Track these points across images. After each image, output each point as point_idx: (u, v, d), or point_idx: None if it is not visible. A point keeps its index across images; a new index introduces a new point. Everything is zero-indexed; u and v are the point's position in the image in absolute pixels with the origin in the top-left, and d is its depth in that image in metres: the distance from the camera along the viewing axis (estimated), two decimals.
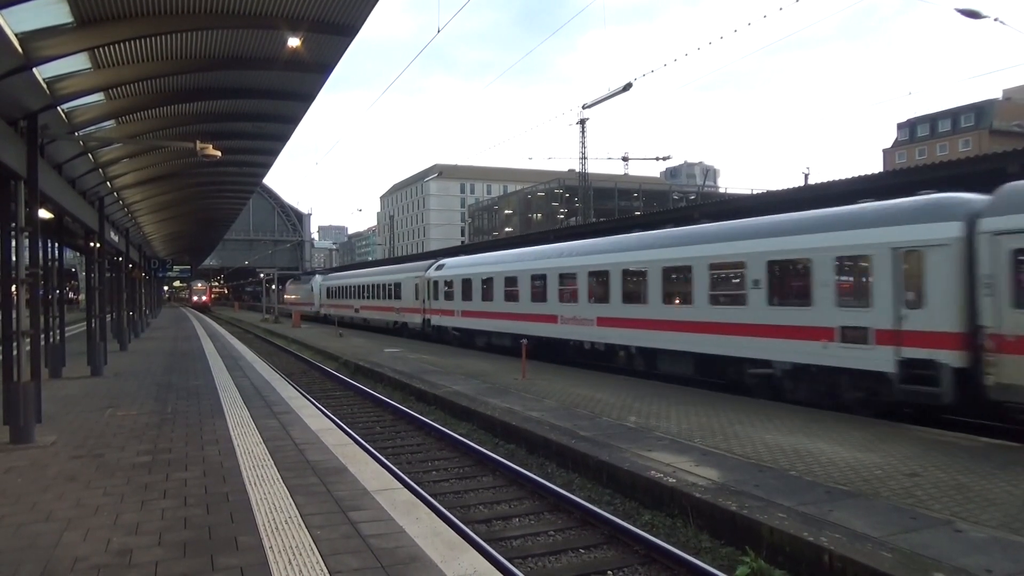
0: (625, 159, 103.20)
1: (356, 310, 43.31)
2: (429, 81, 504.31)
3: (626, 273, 17.79)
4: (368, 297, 40.97)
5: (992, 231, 10.08)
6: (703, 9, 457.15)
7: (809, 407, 12.55)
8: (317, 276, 59.47)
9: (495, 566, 5.34)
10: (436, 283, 29.63)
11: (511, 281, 23.32)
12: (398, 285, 34.95)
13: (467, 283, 26.62)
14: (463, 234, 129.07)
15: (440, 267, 29.82)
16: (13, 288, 9.91)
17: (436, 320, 29.88)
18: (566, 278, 20.24)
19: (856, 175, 16.24)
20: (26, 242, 10.23)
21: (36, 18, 8.85)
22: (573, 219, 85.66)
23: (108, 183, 19.06)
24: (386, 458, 10.75)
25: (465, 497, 9.22)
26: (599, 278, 18.80)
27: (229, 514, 6.18)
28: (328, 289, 52.54)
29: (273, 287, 69.92)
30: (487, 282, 24.97)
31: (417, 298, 31.80)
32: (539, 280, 21.68)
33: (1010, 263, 9.84)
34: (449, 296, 28.28)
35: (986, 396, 10.21)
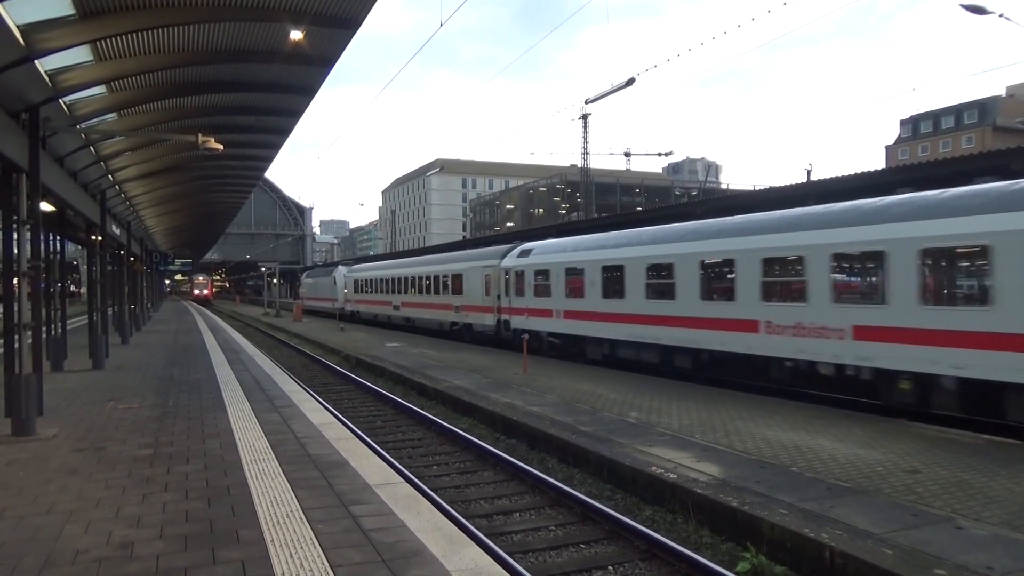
0: (627, 155, 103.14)
1: (396, 307, 36.26)
2: (430, 76, 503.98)
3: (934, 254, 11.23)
4: (412, 292, 33.59)
5: None
6: (706, 5, 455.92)
7: (813, 404, 12.54)
8: (341, 267, 51.10)
9: (496, 561, 5.35)
10: (520, 274, 22.49)
11: (659, 270, 16.67)
12: (458, 277, 27.99)
13: (575, 273, 19.83)
14: (464, 229, 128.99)
15: (526, 253, 22.90)
16: (15, 281, 9.91)
17: (519, 322, 22.56)
18: (778, 265, 13.84)
19: (860, 171, 16.18)
20: (28, 235, 10.21)
21: (38, 10, 8.83)
22: (575, 214, 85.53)
23: (110, 176, 19.05)
24: (387, 452, 10.76)
25: (466, 492, 9.23)
26: (871, 263, 12.20)
27: (230, 507, 6.18)
28: (357, 282, 44.58)
29: (275, 281, 69.97)
30: (613, 271, 18.28)
31: (488, 294, 24.97)
32: (720, 268, 15.27)
33: None
34: (543, 291, 21.35)
35: None
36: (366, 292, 42.38)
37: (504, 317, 23.87)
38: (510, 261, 23.74)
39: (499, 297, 24.33)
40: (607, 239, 19.53)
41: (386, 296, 38.10)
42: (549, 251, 21.84)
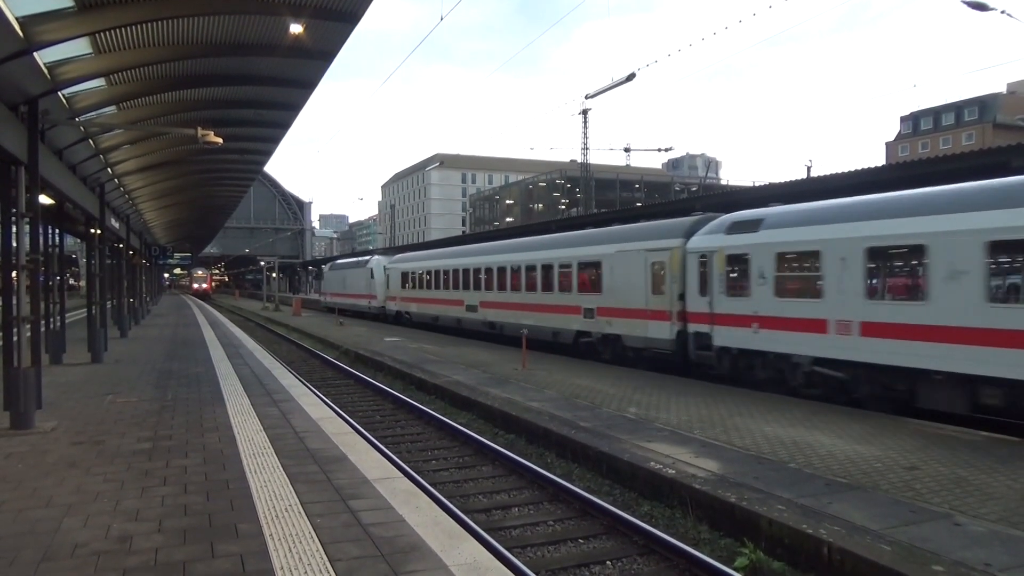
0: (627, 150, 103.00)
1: (470, 308, 27.19)
2: (430, 71, 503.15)
3: None
4: (502, 287, 24.60)
5: None
6: (704, 2, 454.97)
7: (811, 400, 12.53)
8: (377, 258, 41.19)
9: (495, 555, 5.35)
10: (739, 259, 14.28)
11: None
12: (592, 266, 19.40)
13: (899, 256, 11.77)
14: (464, 224, 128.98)
15: (747, 226, 14.39)
16: (14, 274, 9.90)
17: (734, 337, 14.35)
18: None
19: (861, 168, 16.16)
20: (27, 228, 10.21)
21: (37, 2, 8.81)
22: (575, 210, 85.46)
23: (109, 169, 19.01)
24: (386, 447, 10.77)
25: (465, 486, 9.23)
26: None
27: (229, 501, 6.18)
28: (406, 276, 34.79)
29: (274, 275, 69.89)
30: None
31: (658, 291, 16.81)
32: None
33: None
34: (802, 287, 13.10)
35: None
36: (421, 288, 32.74)
37: (698, 327, 15.43)
38: (710, 240, 15.17)
39: (681, 297, 16.01)
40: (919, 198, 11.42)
41: (454, 293, 28.79)
42: (808, 220, 13.06)
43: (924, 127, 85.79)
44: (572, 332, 20.21)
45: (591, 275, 19.50)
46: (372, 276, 39.96)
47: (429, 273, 31.67)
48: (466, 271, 27.69)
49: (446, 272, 29.67)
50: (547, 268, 21.69)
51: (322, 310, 51.40)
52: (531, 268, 22.74)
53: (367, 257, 43.51)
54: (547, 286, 21.64)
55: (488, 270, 25.77)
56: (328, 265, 56.38)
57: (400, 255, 38.67)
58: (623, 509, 7.84)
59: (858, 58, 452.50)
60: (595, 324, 19.01)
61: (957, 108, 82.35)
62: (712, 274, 14.99)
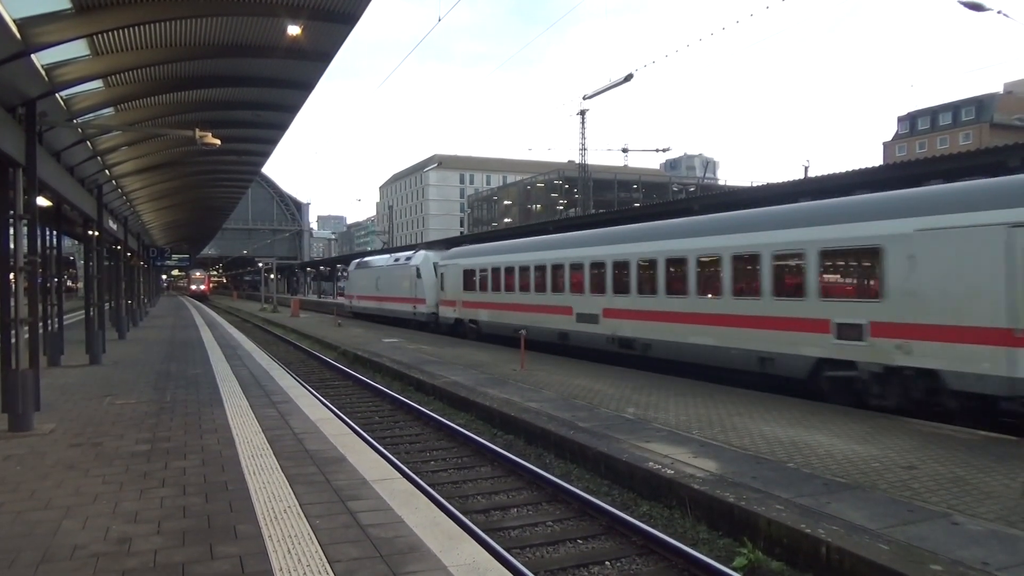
0: (625, 150, 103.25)
1: (587, 317, 19.30)
2: (427, 73, 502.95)
3: None
4: (645, 291, 17.23)
5: None
6: (703, 2, 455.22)
7: (808, 400, 12.53)
8: (424, 253, 32.53)
9: (494, 556, 5.36)
10: None
11: None
12: (872, 255, 11.84)
13: None
14: (462, 224, 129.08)
15: None
16: (12, 276, 9.89)
17: None
18: None
19: (856, 168, 16.19)
20: (24, 230, 10.18)
21: (35, 3, 8.80)
22: (572, 210, 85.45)
23: (107, 171, 19.00)
24: (385, 448, 10.77)
25: (463, 487, 9.24)
26: None
27: (228, 503, 6.18)
28: (471, 275, 26.46)
29: (272, 276, 69.84)
30: None
31: None
32: None
33: None
34: None
35: None
36: (496, 290, 24.76)
37: None
38: None
39: None
40: None
41: (556, 297, 20.88)
42: None
43: (921, 127, 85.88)
44: (807, 360, 12.83)
45: (858, 269, 12.48)
46: (419, 275, 31.79)
47: (511, 270, 23.58)
48: (576, 266, 19.95)
49: (540, 268, 21.83)
50: (747, 260, 14.24)
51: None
52: (708, 261, 15.24)
53: (410, 252, 35.06)
54: (747, 286, 14.23)
55: (621, 264, 18.04)
56: (355, 262, 45.01)
57: (457, 248, 29.82)
58: (622, 509, 7.85)
59: (855, 58, 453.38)
60: (864, 350, 11.81)
61: (954, 108, 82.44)
62: None
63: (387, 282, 36.61)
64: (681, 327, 15.92)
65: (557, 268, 20.98)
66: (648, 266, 17.15)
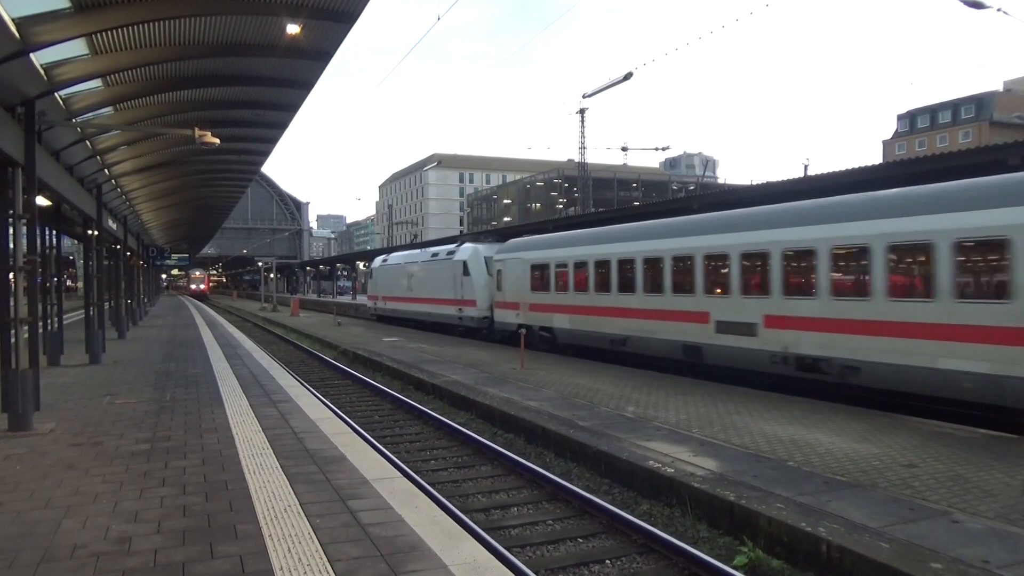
0: (624, 149, 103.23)
1: (737, 327, 14.05)
2: (426, 71, 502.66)
3: None
4: (853, 291, 11.90)
5: None
6: (701, 2, 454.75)
7: (810, 398, 12.53)
8: (472, 246, 27.31)
9: (494, 555, 5.35)
10: None
11: None
12: None
13: None
14: (462, 223, 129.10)
15: None
16: (11, 275, 9.88)
17: None
18: None
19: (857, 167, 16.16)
20: (24, 229, 10.19)
21: (33, 3, 8.79)
22: (573, 209, 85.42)
23: (106, 170, 18.98)
24: (385, 447, 10.77)
25: (464, 486, 9.23)
26: None
27: (228, 502, 6.18)
28: (542, 271, 21.29)
29: (272, 276, 69.84)
30: None
31: None
32: None
33: None
34: None
35: None
36: (579, 291, 19.55)
37: None
38: None
39: None
40: None
41: (679, 300, 15.73)
42: None
43: (921, 125, 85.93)
44: None
45: None
46: (466, 272, 26.39)
47: (603, 264, 18.46)
48: (716, 257, 14.84)
49: (653, 260, 16.70)
50: None
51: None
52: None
53: (451, 245, 29.42)
54: None
55: (800, 253, 12.92)
56: (379, 259, 38.44)
57: (519, 240, 24.31)
58: (622, 508, 7.85)
59: (855, 57, 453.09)
60: None
61: (954, 106, 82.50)
62: None
63: (423, 281, 30.80)
64: (928, 345, 10.60)
65: (681, 260, 15.72)
66: (858, 254, 11.86)
